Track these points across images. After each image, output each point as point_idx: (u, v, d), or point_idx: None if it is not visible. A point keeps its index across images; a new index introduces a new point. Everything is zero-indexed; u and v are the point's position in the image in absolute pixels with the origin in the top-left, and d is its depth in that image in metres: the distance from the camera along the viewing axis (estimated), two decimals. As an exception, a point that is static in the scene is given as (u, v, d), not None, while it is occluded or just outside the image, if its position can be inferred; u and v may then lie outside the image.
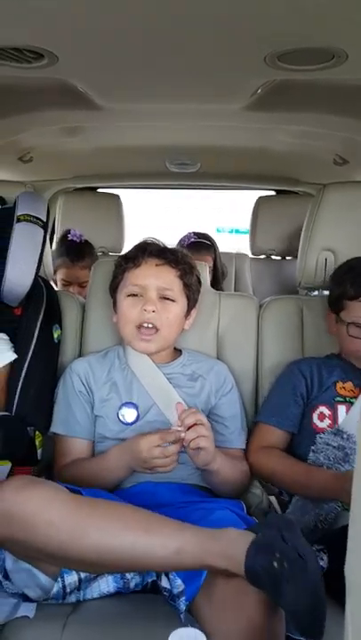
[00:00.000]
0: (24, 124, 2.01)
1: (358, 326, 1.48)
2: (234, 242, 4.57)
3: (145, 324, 1.45)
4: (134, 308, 1.46)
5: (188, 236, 2.59)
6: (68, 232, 2.50)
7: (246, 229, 3.33)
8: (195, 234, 2.63)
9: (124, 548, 1.05)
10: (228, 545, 1.04)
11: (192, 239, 2.57)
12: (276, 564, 0.98)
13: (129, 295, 1.48)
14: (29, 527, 1.04)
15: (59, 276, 2.40)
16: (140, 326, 1.46)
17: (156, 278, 1.47)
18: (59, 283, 2.40)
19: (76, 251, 2.43)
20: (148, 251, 1.50)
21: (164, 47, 1.28)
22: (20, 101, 1.79)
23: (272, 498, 1.57)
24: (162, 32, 1.19)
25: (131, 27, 1.16)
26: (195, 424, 1.29)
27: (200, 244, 2.61)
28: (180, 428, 1.28)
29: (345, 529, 0.66)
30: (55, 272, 2.36)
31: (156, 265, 1.48)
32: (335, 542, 1.25)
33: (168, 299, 1.48)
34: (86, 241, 2.51)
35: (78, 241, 2.47)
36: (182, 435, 1.27)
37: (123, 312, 1.49)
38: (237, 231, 5.60)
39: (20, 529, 1.04)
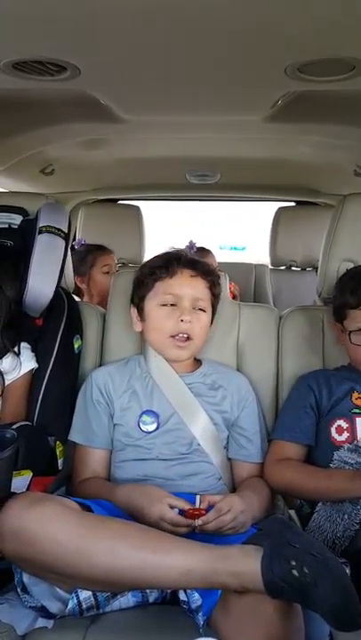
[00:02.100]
0: (46, 137, 2.05)
1: (359, 332, 1.47)
2: (234, 257, 5.25)
3: (180, 335, 1.46)
4: (169, 318, 1.47)
5: (191, 245, 2.68)
6: (73, 248, 2.65)
7: (243, 246, 3.54)
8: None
9: (133, 568, 1.04)
10: (237, 562, 1.02)
11: (196, 246, 2.72)
12: (295, 572, 0.97)
13: (162, 305, 1.48)
14: (35, 545, 1.03)
15: (98, 269, 2.53)
16: (173, 335, 1.46)
17: (191, 288, 1.48)
18: (97, 275, 2.52)
19: (95, 245, 2.63)
20: (183, 261, 1.51)
21: (184, 60, 1.29)
22: (42, 114, 1.82)
23: (292, 512, 1.55)
24: (182, 45, 1.20)
25: (151, 40, 1.17)
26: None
27: (203, 249, 2.84)
28: (197, 522, 1.20)
29: None
30: (89, 274, 2.51)
31: (191, 276, 1.49)
32: (356, 556, 1.24)
33: (200, 309, 1.49)
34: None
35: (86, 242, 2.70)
36: (197, 522, 1.20)
37: (156, 322, 1.49)
38: (235, 248, 6.23)
39: (26, 547, 1.04)
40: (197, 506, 1.23)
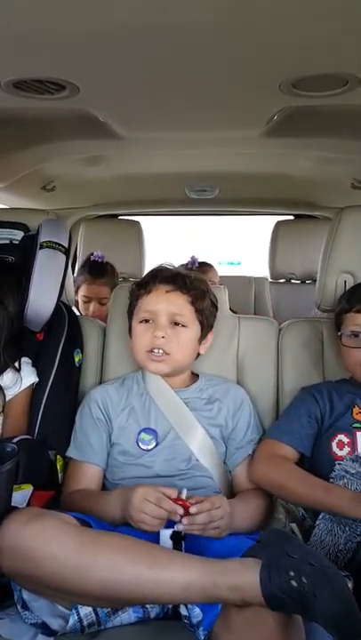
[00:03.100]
0: (47, 154, 2.07)
1: (352, 336, 1.50)
2: (230, 271, 5.48)
3: (155, 350, 1.46)
4: (145, 334, 1.48)
5: (192, 261, 2.67)
6: (92, 254, 2.64)
7: (238, 262, 3.75)
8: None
9: (131, 583, 1.03)
10: (236, 575, 1.01)
11: (197, 261, 2.69)
12: (294, 582, 0.96)
13: (141, 321, 1.49)
14: (34, 561, 1.03)
15: (80, 294, 2.48)
16: (150, 351, 1.47)
17: (166, 304, 1.48)
18: (79, 300, 2.48)
19: (98, 268, 2.55)
20: (160, 277, 1.51)
21: (181, 77, 1.31)
22: (43, 132, 1.84)
23: (293, 525, 1.54)
24: (179, 63, 1.22)
25: (149, 58, 1.19)
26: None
27: (205, 263, 2.78)
28: (191, 509, 1.20)
29: None
30: (77, 291, 2.45)
31: (167, 291, 1.49)
32: (359, 569, 1.23)
33: (179, 324, 1.48)
34: (108, 262, 2.63)
35: (100, 261, 2.59)
36: (180, 512, 1.20)
37: (135, 338, 1.50)
38: (231, 263, 6.74)
39: (25, 563, 1.03)
40: (184, 497, 1.22)
